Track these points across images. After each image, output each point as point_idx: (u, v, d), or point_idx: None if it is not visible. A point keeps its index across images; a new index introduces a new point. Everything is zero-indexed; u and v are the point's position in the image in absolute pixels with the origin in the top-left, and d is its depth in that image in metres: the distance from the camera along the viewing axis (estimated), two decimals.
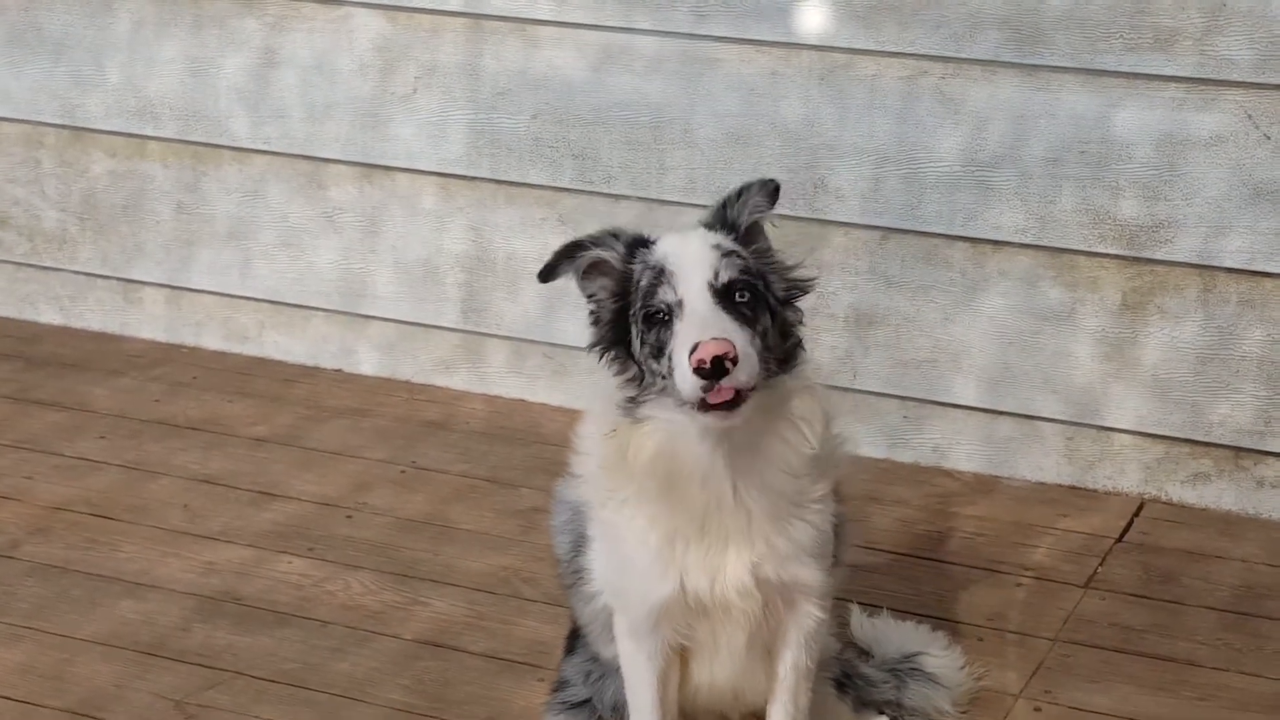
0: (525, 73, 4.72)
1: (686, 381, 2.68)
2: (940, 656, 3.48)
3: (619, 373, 2.86)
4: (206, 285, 5.21)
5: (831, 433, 2.94)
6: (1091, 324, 4.32)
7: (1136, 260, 4.26)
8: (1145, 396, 4.31)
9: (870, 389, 4.53)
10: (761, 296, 2.79)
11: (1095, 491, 4.39)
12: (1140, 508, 4.31)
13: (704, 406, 2.70)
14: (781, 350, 2.83)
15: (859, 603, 3.64)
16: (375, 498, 4.35)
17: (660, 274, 2.78)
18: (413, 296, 4.96)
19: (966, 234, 4.38)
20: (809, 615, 2.97)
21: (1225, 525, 4.23)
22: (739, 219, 2.86)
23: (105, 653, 3.68)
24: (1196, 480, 4.31)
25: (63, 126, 5.28)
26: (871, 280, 4.49)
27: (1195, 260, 4.21)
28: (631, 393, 2.84)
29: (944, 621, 3.73)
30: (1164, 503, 4.33)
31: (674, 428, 2.80)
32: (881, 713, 3.34)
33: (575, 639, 3.26)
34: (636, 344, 2.82)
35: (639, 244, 2.86)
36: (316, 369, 5.12)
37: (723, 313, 2.73)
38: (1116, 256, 4.27)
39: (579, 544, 3.05)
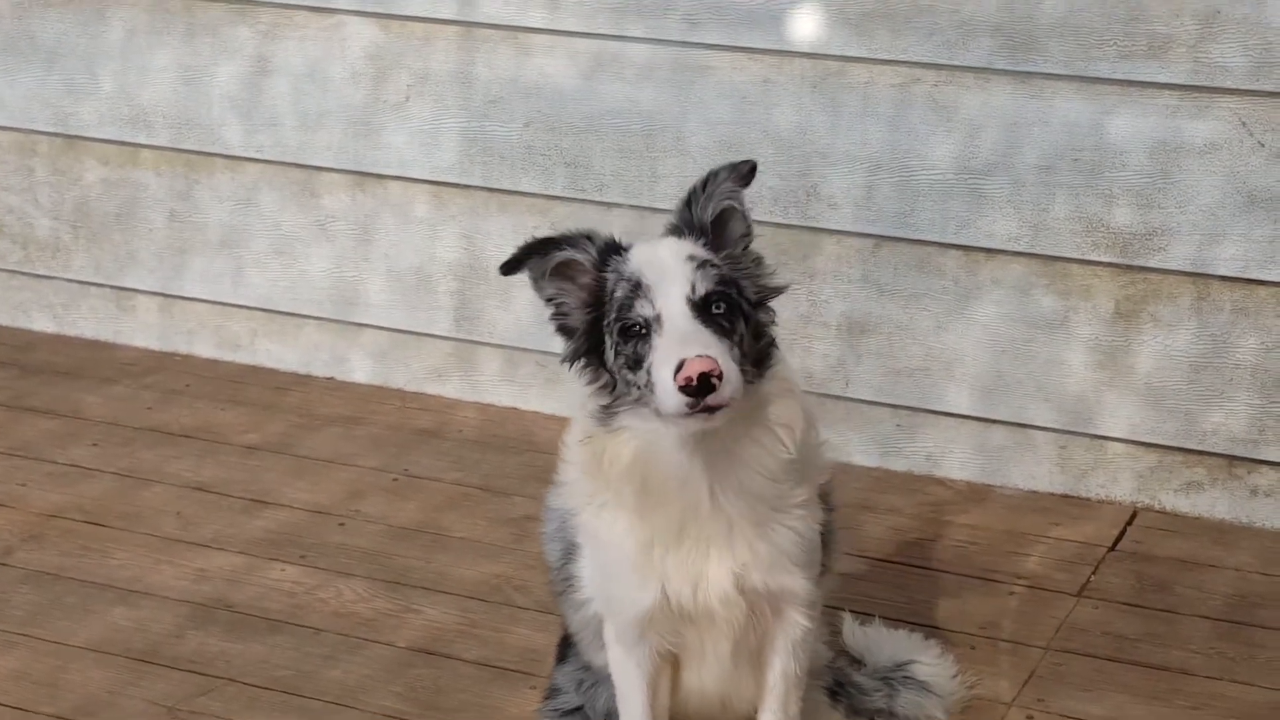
0: (517, 80, 4.72)
1: (671, 397, 2.66)
2: (933, 665, 3.47)
3: (590, 381, 2.85)
4: (199, 293, 5.21)
5: (812, 437, 2.93)
6: (1084, 332, 4.31)
7: (1130, 268, 4.26)
8: (1138, 405, 4.30)
9: (863, 397, 4.52)
10: (736, 304, 2.78)
11: (1088, 500, 4.38)
12: (1133, 516, 4.30)
13: (684, 413, 2.69)
14: (755, 351, 2.81)
15: (851, 611, 3.63)
16: (368, 505, 4.34)
17: (637, 287, 2.76)
18: (405, 304, 4.96)
19: (959, 242, 4.38)
20: (796, 624, 2.96)
21: (1219, 534, 4.23)
22: (704, 217, 2.84)
23: (98, 659, 3.67)
24: (1190, 489, 4.31)
25: (56, 134, 5.28)
26: (864, 288, 4.48)
27: (1189, 268, 4.21)
28: (604, 401, 2.83)
29: (936, 630, 3.72)
30: (1157, 511, 4.33)
31: (650, 435, 2.79)
32: None
33: (567, 647, 3.26)
34: (610, 354, 2.81)
35: (612, 250, 2.84)
36: (309, 377, 5.11)
37: (702, 327, 2.72)
38: (1110, 264, 4.27)
39: (569, 552, 3.05)
